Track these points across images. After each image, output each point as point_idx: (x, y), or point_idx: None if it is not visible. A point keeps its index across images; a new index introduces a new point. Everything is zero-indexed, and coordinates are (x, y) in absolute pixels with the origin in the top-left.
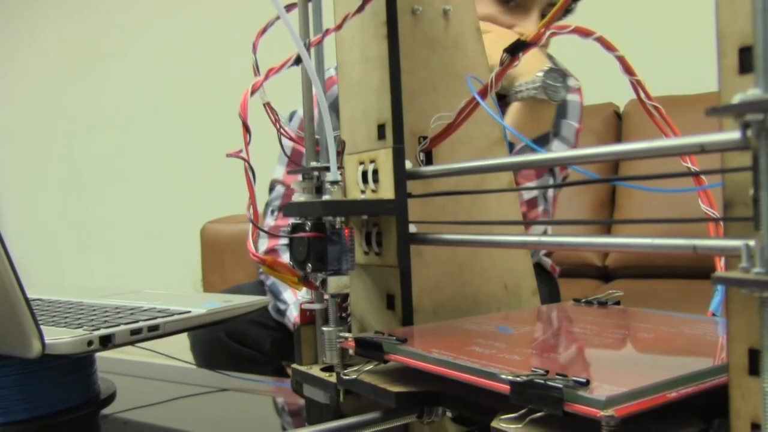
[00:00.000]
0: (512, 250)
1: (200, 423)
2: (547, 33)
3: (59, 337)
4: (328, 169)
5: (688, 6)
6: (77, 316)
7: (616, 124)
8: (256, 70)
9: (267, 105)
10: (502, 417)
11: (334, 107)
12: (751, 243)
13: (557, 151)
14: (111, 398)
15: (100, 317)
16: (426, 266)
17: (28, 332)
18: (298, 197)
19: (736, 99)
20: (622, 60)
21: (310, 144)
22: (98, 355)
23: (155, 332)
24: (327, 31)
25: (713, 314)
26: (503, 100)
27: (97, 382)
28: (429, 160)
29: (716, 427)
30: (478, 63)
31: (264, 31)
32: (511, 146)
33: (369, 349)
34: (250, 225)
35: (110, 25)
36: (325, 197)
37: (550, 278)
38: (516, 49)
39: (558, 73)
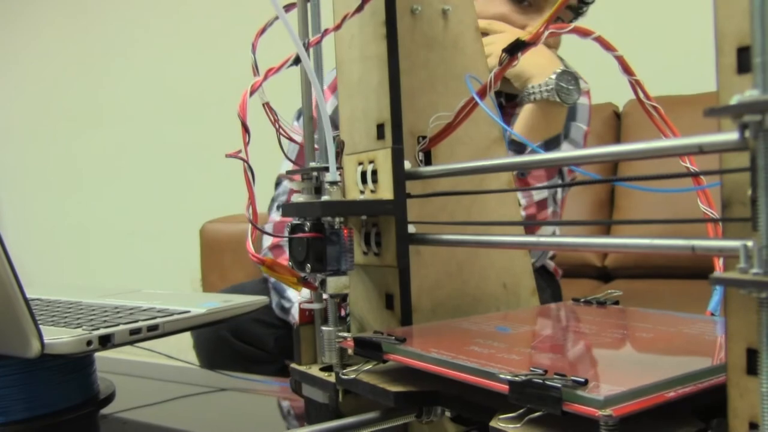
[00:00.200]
0: (511, 250)
1: (199, 423)
2: (546, 33)
3: (58, 337)
4: (327, 169)
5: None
6: (76, 316)
7: (616, 124)
8: (255, 70)
9: (266, 105)
10: (501, 416)
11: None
12: (749, 243)
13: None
14: (110, 398)
15: (99, 317)
16: (425, 266)
17: (27, 332)
18: (297, 198)
19: (734, 100)
20: (621, 60)
21: (309, 144)
22: (97, 354)
23: (154, 332)
24: (326, 31)
25: (712, 314)
26: (514, 101)
27: (97, 381)
28: (428, 160)
29: (714, 426)
30: (477, 63)
31: (263, 31)
32: (520, 148)
33: (368, 348)
34: (250, 225)
35: (109, 25)
36: (324, 198)
37: (553, 280)
38: (515, 49)
39: (570, 76)
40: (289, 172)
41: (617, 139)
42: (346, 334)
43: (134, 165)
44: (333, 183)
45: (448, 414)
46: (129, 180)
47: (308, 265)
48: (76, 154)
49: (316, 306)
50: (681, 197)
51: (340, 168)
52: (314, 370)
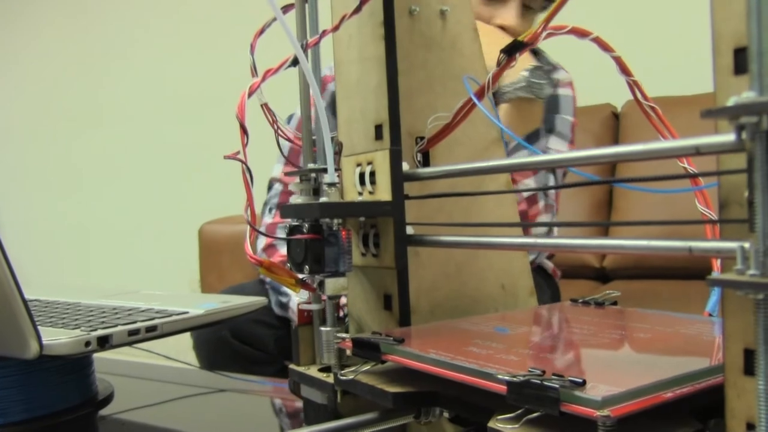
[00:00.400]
0: (509, 251)
1: (198, 424)
2: (544, 33)
3: (57, 338)
4: (325, 170)
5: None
6: (75, 317)
7: (614, 125)
8: (254, 71)
9: (264, 106)
10: (499, 417)
11: (331, 105)
12: (746, 245)
13: (554, 146)
14: (109, 399)
15: (97, 318)
16: (423, 266)
17: (25, 333)
18: (296, 199)
19: (731, 101)
20: (618, 60)
21: (308, 145)
22: (96, 355)
23: (153, 333)
24: (324, 32)
25: (710, 314)
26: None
27: (95, 382)
28: (426, 161)
29: (712, 426)
30: (475, 63)
31: (261, 32)
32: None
33: (366, 349)
34: (248, 227)
35: (109, 25)
36: (323, 199)
37: (552, 282)
38: (513, 49)
39: (542, 70)
40: (287, 174)
41: (615, 140)
42: (344, 335)
43: (133, 166)
44: (331, 184)
45: (446, 415)
46: (128, 181)
47: (306, 266)
48: (76, 155)
49: (314, 306)
50: (679, 198)
51: (338, 169)
52: (313, 371)
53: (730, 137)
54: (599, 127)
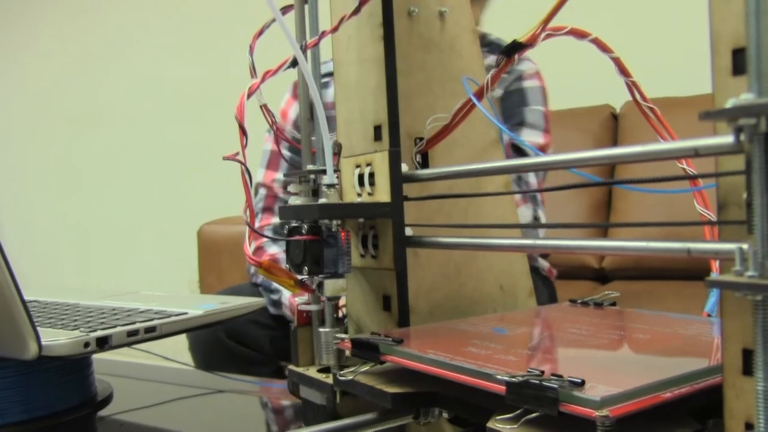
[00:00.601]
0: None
1: (197, 425)
2: (543, 34)
3: (56, 339)
4: (324, 172)
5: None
6: (74, 318)
7: (613, 126)
8: (253, 72)
9: (264, 107)
10: (498, 417)
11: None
12: (745, 246)
13: (527, 138)
14: (108, 400)
15: (96, 319)
16: (422, 267)
17: (24, 334)
18: (295, 200)
19: (730, 103)
20: (617, 61)
21: (307, 146)
22: (95, 356)
23: (152, 334)
24: (323, 33)
25: (708, 315)
26: None
27: (94, 383)
28: (425, 162)
29: (711, 427)
30: (474, 64)
31: (260, 33)
32: None
33: (365, 350)
34: (247, 228)
35: (109, 25)
36: (322, 200)
37: (548, 282)
38: (512, 50)
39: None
40: (286, 175)
41: (614, 141)
42: (343, 336)
43: (133, 166)
44: (330, 185)
45: (445, 415)
46: (127, 181)
47: (305, 267)
48: (75, 155)
49: (313, 307)
50: (678, 198)
51: (337, 170)
52: (312, 372)
53: (728, 139)
54: (598, 128)
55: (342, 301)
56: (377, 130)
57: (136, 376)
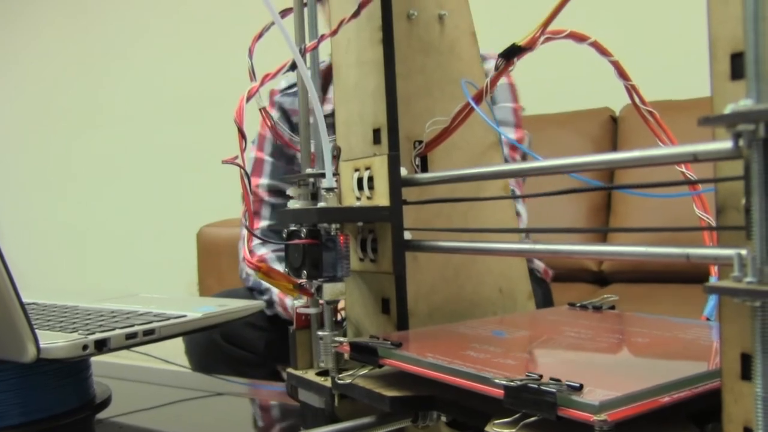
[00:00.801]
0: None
1: (196, 427)
2: (542, 38)
3: (54, 342)
4: (323, 175)
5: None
6: (72, 320)
7: (612, 129)
8: (252, 75)
9: (263, 110)
10: (496, 421)
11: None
12: (743, 252)
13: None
14: (106, 402)
15: (95, 321)
16: (421, 270)
17: (23, 336)
18: (294, 204)
19: (728, 109)
20: (616, 65)
21: (306, 150)
22: (94, 359)
23: (151, 336)
24: (322, 37)
25: (707, 318)
26: None
27: (93, 386)
28: (424, 165)
29: (709, 431)
30: (473, 68)
31: (260, 36)
32: None
33: (364, 353)
34: (246, 231)
35: (109, 25)
36: (321, 204)
37: (543, 284)
38: (511, 53)
39: None
40: (284, 179)
41: (614, 143)
42: (342, 339)
43: (132, 168)
44: (329, 189)
45: (443, 419)
46: (126, 183)
47: (304, 271)
48: (74, 156)
49: (312, 310)
50: (678, 201)
51: (336, 174)
52: (310, 375)
53: (727, 144)
54: (598, 131)
55: (341, 304)
56: (376, 133)
57: (134, 379)
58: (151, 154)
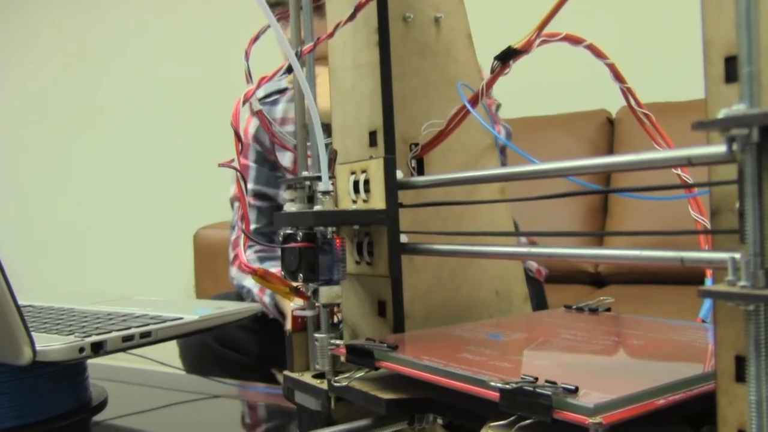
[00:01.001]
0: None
1: (192, 430)
2: (538, 40)
3: (50, 344)
4: (319, 178)
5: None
6: (69, 323)
7: (609, 131)
8: (249, 77)
9: (259, 113)
10: (492, 424)
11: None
12: (737, 256)
13: None
14: (103, 405)
15: (91, 324)
16: (417, 272)
17: (18, 339)
18: (290, 207)
19: (722, 114)
20: (612, 67)
21: (303, 152)
22: (90, 361)
23: (147, 339)
24: (319, 39)
25: (703, 321)
26: None
27: (89, 388)
28: (420, 167)
29: None
30: (469, 70)
31: (256, 38)
32: None
33: (360, 356)
34: (242, 235)
35: (109, 25)
36: (317, 207)
37: (535, 283)
38: (507, 56)
39: None
40: (282, 181)
41: (610, 146)
42: (338, 342)
43: (129, 169)
44: (325, 192)
45: (439, 421)
46: (124, 184)
47: (300, 274)
48: (71, 158)
49: (308, 313)
50: (674, 204)
51: (332, 177)
52: (307, 377)
53: (721, 148)
54: (594, 133)
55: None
56: (372, 135)
57: (131, 381)
58: (148, 155)
